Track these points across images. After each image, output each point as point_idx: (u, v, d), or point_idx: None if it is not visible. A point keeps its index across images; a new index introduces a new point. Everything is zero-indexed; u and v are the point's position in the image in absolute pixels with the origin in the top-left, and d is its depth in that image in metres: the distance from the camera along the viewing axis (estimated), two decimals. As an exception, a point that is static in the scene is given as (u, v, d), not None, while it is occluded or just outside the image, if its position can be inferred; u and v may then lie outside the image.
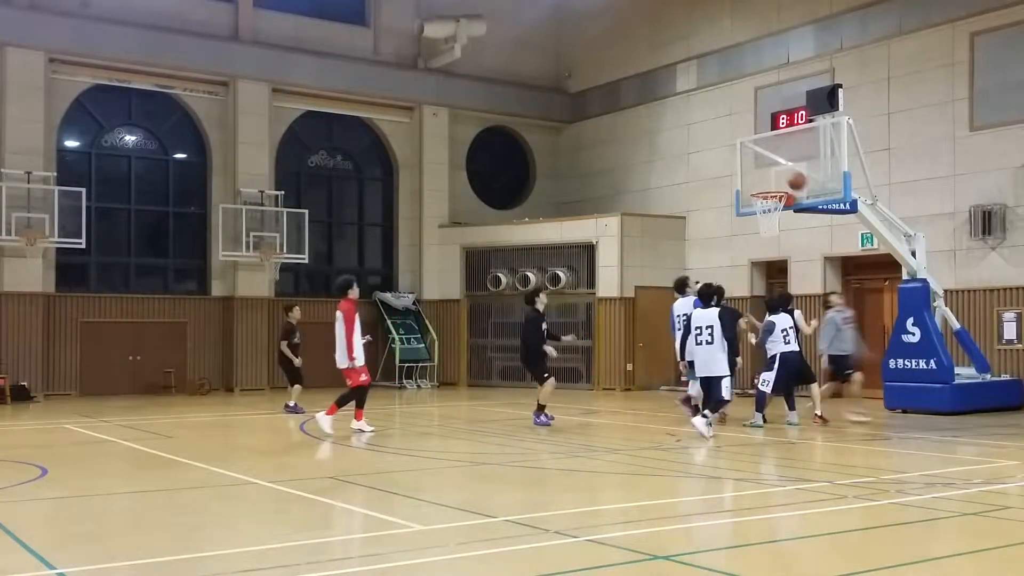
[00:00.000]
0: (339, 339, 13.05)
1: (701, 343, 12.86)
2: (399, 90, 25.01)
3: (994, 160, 18.00)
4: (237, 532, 7.45)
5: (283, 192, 23.18)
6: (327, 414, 13.07)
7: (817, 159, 15.31)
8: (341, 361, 13.09)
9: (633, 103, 25.15)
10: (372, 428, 13.45)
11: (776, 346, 14.06)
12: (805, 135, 15.61)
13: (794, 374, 14.31)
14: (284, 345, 16.94)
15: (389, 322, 24.09)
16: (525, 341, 14.50)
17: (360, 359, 13.12)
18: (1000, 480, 9.55)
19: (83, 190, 20.75)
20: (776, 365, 13.99)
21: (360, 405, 13.36)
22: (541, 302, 14.54)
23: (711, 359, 12.80)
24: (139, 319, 21.94)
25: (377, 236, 25.85)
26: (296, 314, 17.30)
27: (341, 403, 13.23)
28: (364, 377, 13.24)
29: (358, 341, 13.07)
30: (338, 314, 13.14)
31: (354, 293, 13.41)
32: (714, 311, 12.94)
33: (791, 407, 14.32)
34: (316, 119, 24.60)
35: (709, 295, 13.29)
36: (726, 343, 12.75)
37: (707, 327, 12.80)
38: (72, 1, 21.15)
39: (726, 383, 12.75)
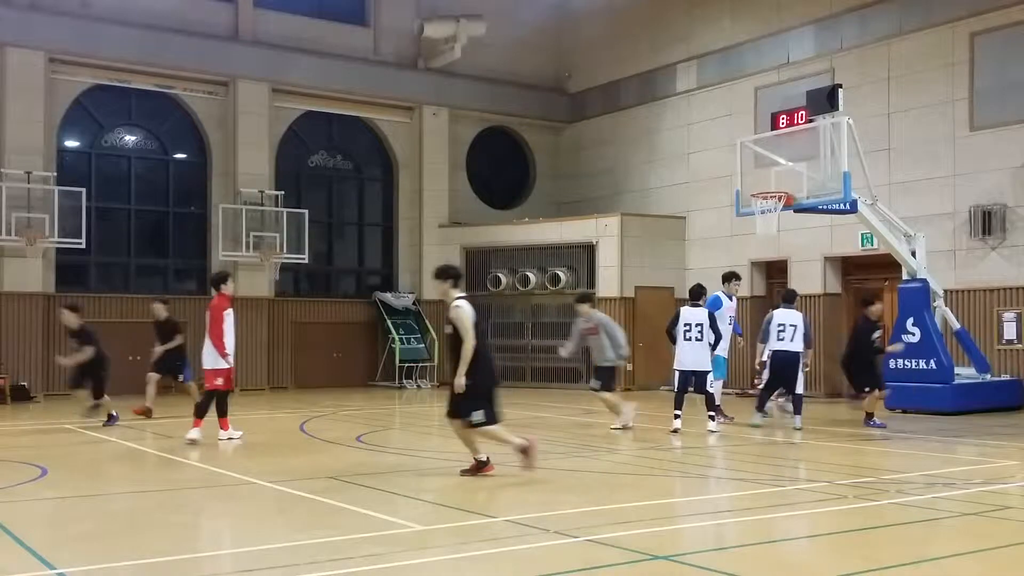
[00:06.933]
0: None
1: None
2: (399, 90, 25.01)
3: (994, 160, 18.00)
4: (237, 532, 7.45)
5: (283, 192, 23.18)
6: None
7: (817, 159, 15.32)
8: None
9: (633, 103, 25.14)
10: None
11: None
12: (805, 135, 15.62)
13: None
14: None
15: (389, 322, 24.09)
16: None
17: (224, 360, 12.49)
18: (1000, 480, 9.56)
19: (83, 190, 20.77)
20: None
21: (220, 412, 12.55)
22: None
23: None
24: (139, 319, 21.84)
25: (377, 236, 25.85)
26: (69, 318, 14.56)
27: None
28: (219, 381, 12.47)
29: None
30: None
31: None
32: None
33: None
34: (316, 119, 24.61)
35: (700, 294, 13.95)
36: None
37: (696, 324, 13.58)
38: (72, 1, 21.14)
39: (709, 378, 13.62)
